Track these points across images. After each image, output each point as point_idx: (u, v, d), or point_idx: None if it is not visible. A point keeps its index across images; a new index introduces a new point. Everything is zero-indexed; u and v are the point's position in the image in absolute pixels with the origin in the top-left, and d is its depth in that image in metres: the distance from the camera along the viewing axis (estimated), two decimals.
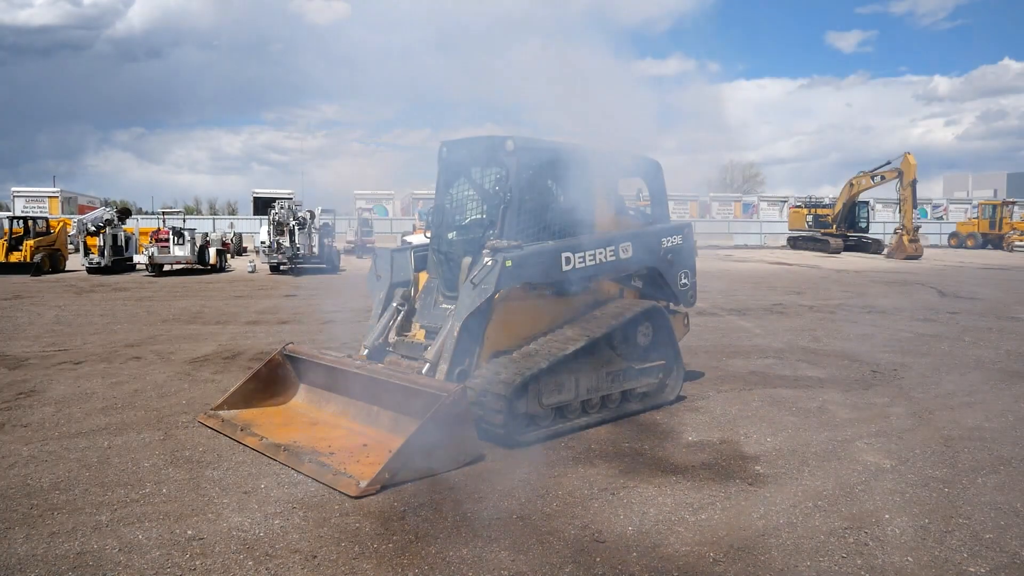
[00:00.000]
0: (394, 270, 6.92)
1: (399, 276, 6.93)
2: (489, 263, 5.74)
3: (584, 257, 6.40)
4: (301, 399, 6.49)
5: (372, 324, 6.78)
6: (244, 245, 35.86)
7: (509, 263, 5.76)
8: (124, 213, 25.81)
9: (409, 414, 5.35)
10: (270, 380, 6.48)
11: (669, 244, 7.40)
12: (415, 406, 5.25)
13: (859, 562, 3.78)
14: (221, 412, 6.12)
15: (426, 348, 6.13)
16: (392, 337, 6.68)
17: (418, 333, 6.61)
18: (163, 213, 34.90)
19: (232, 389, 6.44)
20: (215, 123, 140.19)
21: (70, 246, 26.09)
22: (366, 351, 6.55)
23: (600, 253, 6.55)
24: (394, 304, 6.78)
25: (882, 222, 46.25)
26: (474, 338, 5.88)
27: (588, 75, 7.00)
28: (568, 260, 6.28)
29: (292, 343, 6.82)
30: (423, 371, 5.79)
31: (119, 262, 23.48)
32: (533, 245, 6.17)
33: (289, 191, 42.22)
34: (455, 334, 5.77)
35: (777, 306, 14.86)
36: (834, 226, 38.01)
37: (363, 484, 4.57)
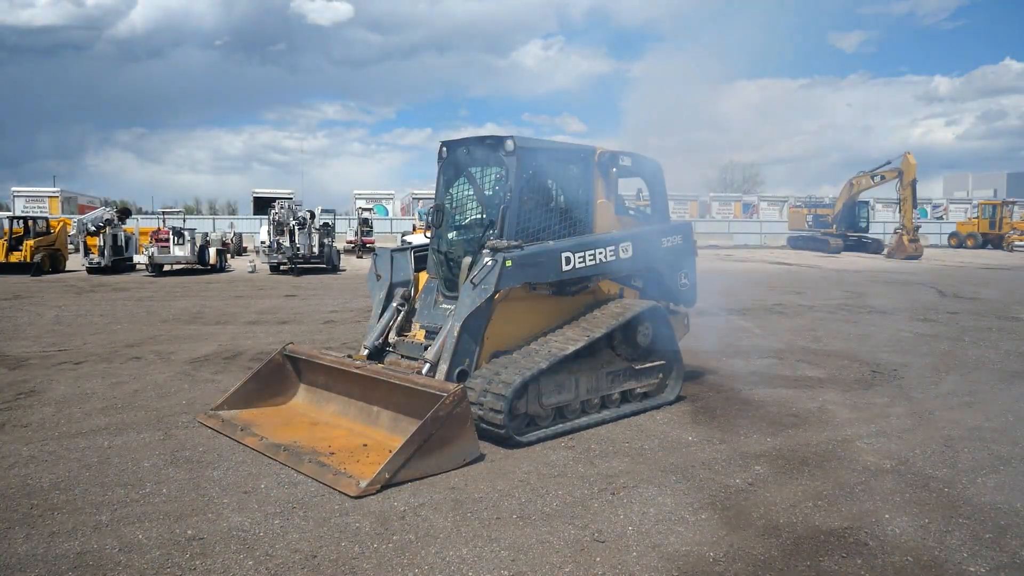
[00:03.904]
0: (394, 270, 6.93)
1: (399, 276, 6.94)
2: (489, 263, 5.74)
3: (584, 257, 6.40)
4: (301, 399, 6.50)
5: (372, 324, 6.79)
6: (244, 245, 35.87)
7: (509, 263, 5.76)
8: (124, 213, 25.78)
9: (409, 414, 5.35)
10: (270, 380, 6.48)
11: (669, 244, 7.40)
12: (415, 406, 5.25)
13: (859, 562, 3.78)
14: (221, 412, 6.12)
15: (426, 348, 6.13)
16: (392, 337, 6.69)
17: (418, 333, 6.62)
18: (163, 213, 34.94)
19: (232, 389, 6.44)
20: (215, 123, 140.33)
21: (70, 246, 26.08)
22: (366, 351, 6.55)
23: (600, 253, 6.55)
24: (394, 304, 6.79)
25: (882, 222, 46.30)
26: (474, 338, 5.89)
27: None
28: (568, 260, 6.28)
29: (292, 343, 6.82)
30: (423, 371, 5.79)
31: (119, 262, 23.47)
32: (533, 245, 6.17)
33: (289, 191, 42.29)
34: (455, 334, 5.77)
35: (777, 306, 14.85)
36: (834, 226, 38.02)
37: (363, 484, 4.57)
